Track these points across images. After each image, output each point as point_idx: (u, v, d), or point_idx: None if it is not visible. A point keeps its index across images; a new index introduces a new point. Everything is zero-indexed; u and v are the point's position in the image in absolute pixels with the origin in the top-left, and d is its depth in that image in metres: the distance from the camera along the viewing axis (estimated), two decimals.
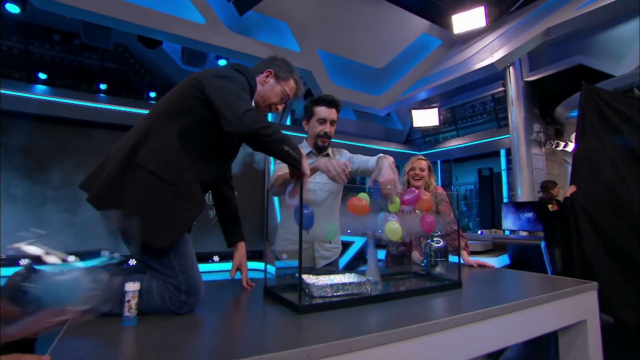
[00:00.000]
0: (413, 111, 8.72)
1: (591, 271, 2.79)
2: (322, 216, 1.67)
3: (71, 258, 0.94)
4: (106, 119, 6.56)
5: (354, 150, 1.89)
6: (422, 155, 2.34)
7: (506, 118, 7.63)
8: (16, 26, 6.71)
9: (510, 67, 6.95)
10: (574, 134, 3.43)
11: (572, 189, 3.08)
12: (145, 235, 0.99)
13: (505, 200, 8.20)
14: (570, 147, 7.24)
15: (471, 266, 1.94)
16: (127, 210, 0.98)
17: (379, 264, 1.37)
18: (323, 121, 1.74)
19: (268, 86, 1.31)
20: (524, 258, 5.35)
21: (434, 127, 9.05)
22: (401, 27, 8.10)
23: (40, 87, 6.36)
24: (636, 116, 2.98)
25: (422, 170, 2.15)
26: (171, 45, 7.21)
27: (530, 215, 6.01)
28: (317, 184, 1.71)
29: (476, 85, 8.05)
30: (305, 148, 1.82)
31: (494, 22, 8.05)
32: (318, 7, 7.04)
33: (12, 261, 5.76)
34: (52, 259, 0.86)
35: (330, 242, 1.77)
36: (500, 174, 8.57)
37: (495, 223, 8.37)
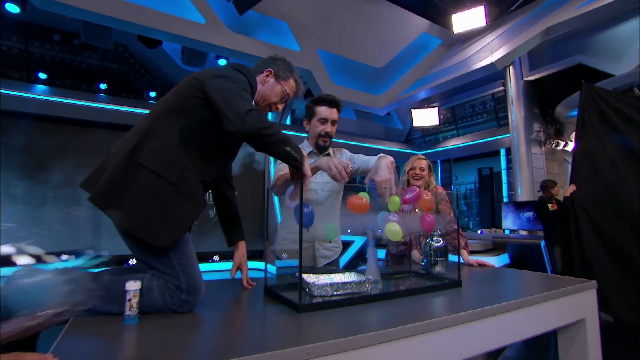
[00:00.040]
0: (413, 110, 8.73)
1: (591, 270, 2.80)
2: (323, 215, 1.68)
3: (52, 257, 0.93)
4: (106, 119, 6.56)
5: (354, 149, 1.89)
6: (422, 154, 2.35)
7: (506, 117, 7.63)
8: (16, 26, 6.71)
9: (510, 67, 6.95)
10: (574, 133, 3.44)
11: (572, 188, 3.09)
12: (147, 235, 0.99)
13: (505, 199, 8.21)
14: (570, 146, 7.24)
15: (471, 265, 1.94)
16: (129, 209, 0.99)
17: (379, 263, 1.38)
18: (324, 121, 1.75)
19: (268, 86, 1.32)
20: (523, 257, 5.35)
21: (434, 127, 9.05)
22: (401, 27, 8.10)
23: (40, 87, 6.36)
24: (636, 115, 2.98)
25: (422, 169, 2.15)
26: (171, 45, 7.20)
27: (530, 214, 6.02)
28: (318, 183, 1.71)
29: (476, 84, 8.05)
30: (306, 148, 1.82)
31: (494, 21, 8.05)
32: (318, 7, 7.04)
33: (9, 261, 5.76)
34: (24, 259, 0.85)
35: (330, 242, 1.77)
36: (500, 173, 8.57)
37: (495, 222, 8.38)
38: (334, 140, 1.82)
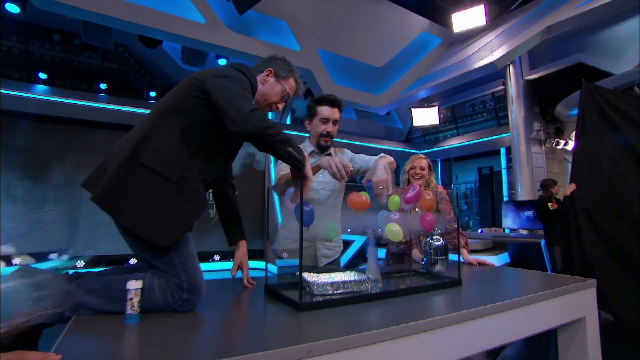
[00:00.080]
0: (413, 110, 8.73)
1: (591, 269, 2.80)
2: (325, 215, 1.68)
3: (27, 258, 0.94)
4: (106, 119, 6.57)
5: (354, 149, 1.90)
6: (422, 154, 2.35)
7: (506, 116, 7.63)
8: (16, 26, 6.71)
9: (510, 66, 6.95)
10: (574, 132, 3.44)
11: (572, 187, 3.09)
12: (148, 234, 1.00)
13: (505, 198, 8.21)
14: (571, 145, 7.24)
15: (471, 264, 1.95)
16: (131, 208, 0.99)
17: (379, 262, 1.38)
18: (326, 121, 1.76)
19: (268, 85, 1.32)
20: (524, 256, 5.36)
21: (434, 126, 9.05)
22: (401, 26, 8.10)
23: (41, 87, 6.36)
24: (636, 114, 2.98)
25: (422, 169, 2.15)
26: (171, 44, 7.20)
27: (530, 213, 6.02)
28: (319, 183, 1.72)
29: (476, 83, 8.05)
30: (307, 147, 1.83)
31: (494, 20, 8.04)
32: (318, 6, 7.03)
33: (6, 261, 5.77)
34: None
35: (330, 241, 1.78)
36: (500, 172, 8.57)
37: (496, 221, 8.38)
38: (334, 140, 1.82)
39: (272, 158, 8.09)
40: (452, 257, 1.65)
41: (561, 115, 7.27)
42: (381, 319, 1.02)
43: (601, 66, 5.83)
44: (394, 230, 1.28)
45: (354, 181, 1.46)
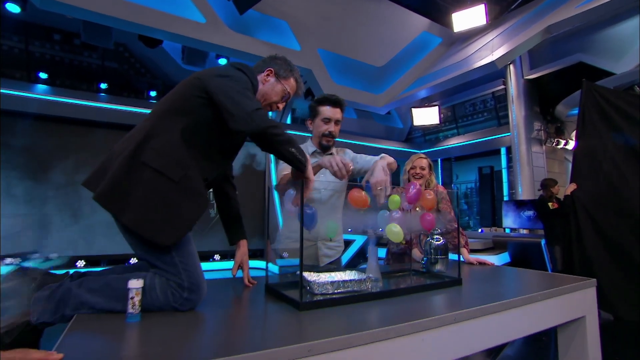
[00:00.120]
0: (413, 109, 8.72)
1: (591, 269, 2.80)
2: (326, 215, 1.69)
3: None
4: (107, 118, 6.57)
5: (354, 148, 1.90)
6: (422, 153, 2.35)
7: (506, 116, 7.63)
8: (17, 26, 6.71)
9: (511, 65, 6.94)
10: (575, 131, 3.43)
11: (573, 187, 3.09)
12: (150, 232, 1.00)
13: (505, 198, 8.21)
14: (571, 145, 7.24)
15: (471, 264, 1.95)
16: (133, 207, 1.00)
17: (379, 261, 1.38)
18: (327, 121, 1.76)
19: (269, 85, 1.32)
20: (524, 256, 5.36)
21: (435, 126, 9.05)
22: (401, 26, 8.09)
23: (41, 87, 6.36)
24: (637, 114, 2.97)
25: (422, 168, 2.16)
26: (171, 44, 7.21)
27: (530, 213, 6.02)
28: (321, 183, 1.72)
29: (476, 83, 8.05)
30: (309, 147, 1.84)
31: (495, 20, 8.03)
32: (318, 6, 7.03)
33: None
34: None
35: (331, 240, 1.78)
36: (500, 172, 8.57)
37: (496, 221, 8.38)
38: (336, 140, 1.83)
39: (272, 158, 8.10)
40: (452, 256, 1.65)
41: (561, 115, 7.27)
42: (381, 318, 1.02)
43: (602, 66, 5.82)
44: (395, 231, 1.29)
45: (355, 181, 1.46)
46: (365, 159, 1.73)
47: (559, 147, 7.40)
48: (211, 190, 1.36)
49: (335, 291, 1.16)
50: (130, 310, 0.93)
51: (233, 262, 1.42)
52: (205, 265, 7.03)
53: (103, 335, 0.86)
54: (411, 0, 8.24)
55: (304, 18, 6.88)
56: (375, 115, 9.77)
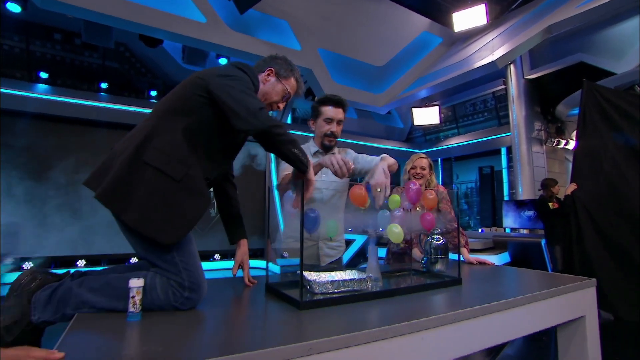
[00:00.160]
0: (414, 109, 8.72)
1: (591, 269, 2.80)
2: (327, 215, 1.69)
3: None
4: (107, 118, 6.58)
5: (354, 148, 1.91)
6: (423, 153, 2.35)
7: (507, 116, 7.62)
8: (17, 25, 6.71)
9: (511, 65, 6.94)
10: (575, 131, 3.43)
11: (573, 186, 3.09)
12: (153, 231, 1.00)
13: (506, 198, 8.20)
14: (571, 145, 7.24)
15: (471, 263, 1.95)
16: (135, 206, 1.00)
17: (379, 261, 1.38)
18: (330, 121, 1.77)
19: (269, 85, 1.32)
20: (524, 256, 5.36)
21: (435, 125, 9.05)
22: (402, 25, 8.09)
23: (42, 86, 6.37)
24: (637, 114, 2.97)
25: (423, 168, 2.16)
26: (172, 44, 7.21)
27: (531, 213, 6.02)
28: (323, 182, 1.73)
29: (477, 83, 8.04)
30: (312, 147, 1.85)
31: (495, 19, 8.03)
32: (319, 6, 7.03)
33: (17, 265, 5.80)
34: None
35: (331, 240, 1.79)
36: (501, 172, 8.57)
37: (496, 221, 8.38)
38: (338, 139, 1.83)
39: (272, 158, 8.10)
40: (453, 256, 1.65)
41: (562, 115, 7.26)
42: (381, 317, 1.02)
43: (602, 65, 5.82)
44: (396, 232, 1.29)
45: (356, 181, 1.47)
46: (366, 159, 1.74)
47: (560, 147, 7.40)
48: (212, 189, 1.36)
49: (336, 290, 1.17)
50: (131, 309, 0.94)
51: (233, 261, 1.42)
52: (205, 265, 7.05)
53: (104, 335, 0.86)
54: (412, 0, 8.24)
55: (305, 18, 6.87)
56: (375, 115, 9.76)
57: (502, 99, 8.21)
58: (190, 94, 1.13)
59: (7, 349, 0.68)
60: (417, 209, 1.46)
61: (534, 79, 7.02)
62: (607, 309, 2.73)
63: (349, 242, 6.95)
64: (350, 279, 1.21)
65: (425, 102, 8.98)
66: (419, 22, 8.36)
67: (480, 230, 7.73)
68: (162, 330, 0.88)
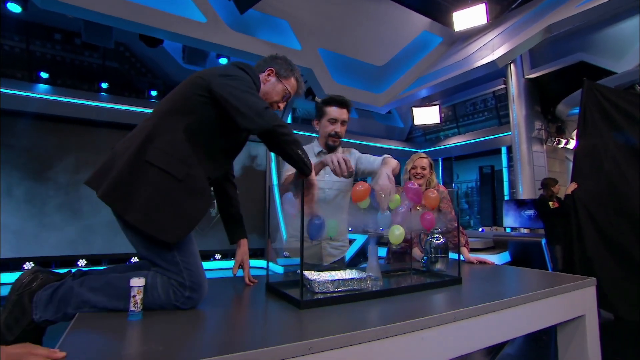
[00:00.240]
0: (414, 109, 8.72)
1: (592, 268, 2.80)
2: (330, 215, 1.69)
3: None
4: (108, 118, 6.59)
5: (355, 148, 1.91)
6: (423, 153, 2.35)
7: (507, 115, 7.62)
8: (18, 25, 6.72)
9: (512, 65, 6.94)
10: (576, 131, 3.43)
11: (574, 186, 3.09)
12: (155, 230, 1.00)
13: (506, 197, 8.20)
14: (572, 144, 7.23)
15: (471, 263, 1.95)
16: (138, 206, 1.00)
17: (379, 260, 1.39)
18: (334, 121, 1.78)
19: (270, 84, 1.33)
20: (524, 255, 5.36)
21: (435, 125, 9.04)
22: (402, 25, 8.08)
23: (42, 86, 6.38)
24: (638, 113, 2.97)
25: (423, 168, 2.16)
26: (172, 44, 7.20)
27: (531, 212, 6.02)
28: (326, 182, 1.74)
29: (477, 82, 8.03)
30: (316, 147, 1.86)
31: (495, 19, 8.02)
32: (319, 5, 7.03)
33: (18, 265, 5.82)
34: None
35: (331, 239, 1.79)
36: (501, 171, 8.56)
37: (496, 220, 8.38)
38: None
39: (272, 157, 8.10)
40: (453, 255, 1.65)
41: (562, 114, 7.25)
42: (381, 316, 1.02)
43: (603, 65, 5.81)
44: (397, 234, 1.29)
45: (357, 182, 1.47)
46: (368, 160, 1.75)
47: (560, 146, 7.39)
48: (212, 189, 1.36)
49: (336, 290, 1.17)
50: (132, 308, 0.94)
51: (234, 261, 1.42)
52: (206, 265, 7.03)
53: (105, 334, 0.86)
54: (412, 0, 8.23)
55: (305, 17, 6.87)
56: (375, 114, 9.76)
57: (502, 99, 8.21)
58: (191, 94, 1.13)
59: (9, 347, 0.68)
60: (418, 208, 1.46)
61: (534, 78, 7.01)
62: (607, 309, 2.73)
63: (349, 242, 6.95)
64: (351, 279, 1.21)
65: (425, 102, 8.98)
66: (419, 22, 8.35)
67: (480, 229, 7.73)
68: (163, 329, 0.88)
